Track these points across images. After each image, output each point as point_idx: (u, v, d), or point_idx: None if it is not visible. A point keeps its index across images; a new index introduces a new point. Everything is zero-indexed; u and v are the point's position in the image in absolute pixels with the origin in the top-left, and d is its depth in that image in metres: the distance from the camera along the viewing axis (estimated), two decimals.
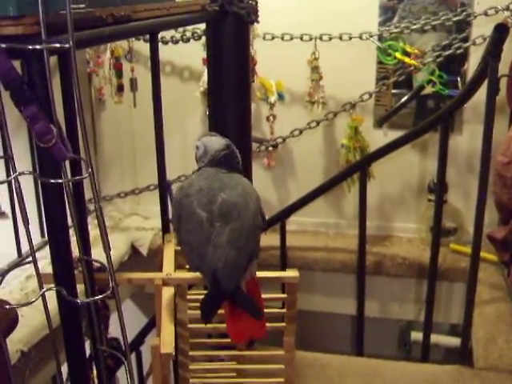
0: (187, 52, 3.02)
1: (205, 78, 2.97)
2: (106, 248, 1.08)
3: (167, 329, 1.29)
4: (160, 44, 1.76)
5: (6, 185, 2.57)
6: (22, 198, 1.11)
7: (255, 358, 1.67)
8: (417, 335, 3.26)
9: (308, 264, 3.14)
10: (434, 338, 2.93)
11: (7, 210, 3.46)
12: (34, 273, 1.24)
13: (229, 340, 1.62)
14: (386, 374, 2.32)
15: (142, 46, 3.04)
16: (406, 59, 2.84)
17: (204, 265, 1.34)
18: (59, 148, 1.12)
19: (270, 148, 3.09)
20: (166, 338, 1.26)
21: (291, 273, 1.49)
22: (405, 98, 3.10)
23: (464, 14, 2.87)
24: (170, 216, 1.56)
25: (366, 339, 2.94)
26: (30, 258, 1.18)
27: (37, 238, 2.99)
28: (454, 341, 3.12)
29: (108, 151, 3.48)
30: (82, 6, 1.21)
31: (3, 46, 1.02)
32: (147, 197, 3.39)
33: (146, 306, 3.56)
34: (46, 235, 1.25)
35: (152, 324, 2.83)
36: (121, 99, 3.14)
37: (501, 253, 2.83)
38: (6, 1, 1.06)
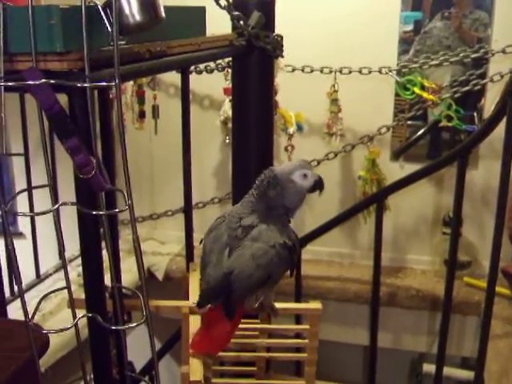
0: (208, 81, 3.07)
1: (225, 107, 3.03)
2: (142, 278, 1.12)
3: (197, 356, 1.32)
4: None
5: (26, 204, 2.63)
6: (60, 228, 1.15)
7: None
8: (429, 367, 3.26)
9: (322, 293, 3.16)
10: (446, 370, 2.93)
11: (24, 230, 3.52)
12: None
13: (251, 368, 1.65)
14: None
15: (165, 74, 3.09)
16: (424, 94, 2.88)
17: (218, 267, 1.38)
18: (98, 179, 1.16)
19: None
20: (195, 366, 1.29)
21: (314, 305, 1.52)
22: (421, 131, 3.14)
23: (482, 51, 2.91)
24: None
25: (378, 370, 2.95)
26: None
27: (55, 260, 3.04)
28: (466, 374, 3.13)
29: None
30: (123, 42, 1.26)
31: (52, 81, 1.06)
32: (164, 222, 3.44)
33: (159, 329, 3.57)
34: (81, 264, 1.29)
35: (167, 348, 2.84)
36: (142, 125, 3.17)
37: None
38: (54, 37, 1.11)
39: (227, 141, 3.09)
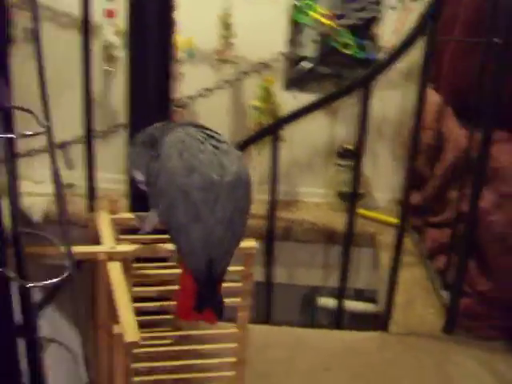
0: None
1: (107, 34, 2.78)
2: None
3: (127, 312, 1.11)
4: None
5: None
6: None
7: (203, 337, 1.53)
8: (323, 300, 3.24)
9: None
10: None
11: None
12: None
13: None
14: (308, 343, 2.24)
15: None
16: (322, 19, 2.76)
17: (198, 242, 1.16)
18: None
19: (177, 108, 2.92)
20: (129, 324, 1.09)
21: (249, 243, 1.37)
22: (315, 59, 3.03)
23: None
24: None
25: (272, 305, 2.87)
26: None
27: None
28: (361, 306, 3.12)
29: None
30: None
31: None
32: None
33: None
34: None
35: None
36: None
37: (413, 218, 2.85)
38: None
39: (110, 69, 2.84)
